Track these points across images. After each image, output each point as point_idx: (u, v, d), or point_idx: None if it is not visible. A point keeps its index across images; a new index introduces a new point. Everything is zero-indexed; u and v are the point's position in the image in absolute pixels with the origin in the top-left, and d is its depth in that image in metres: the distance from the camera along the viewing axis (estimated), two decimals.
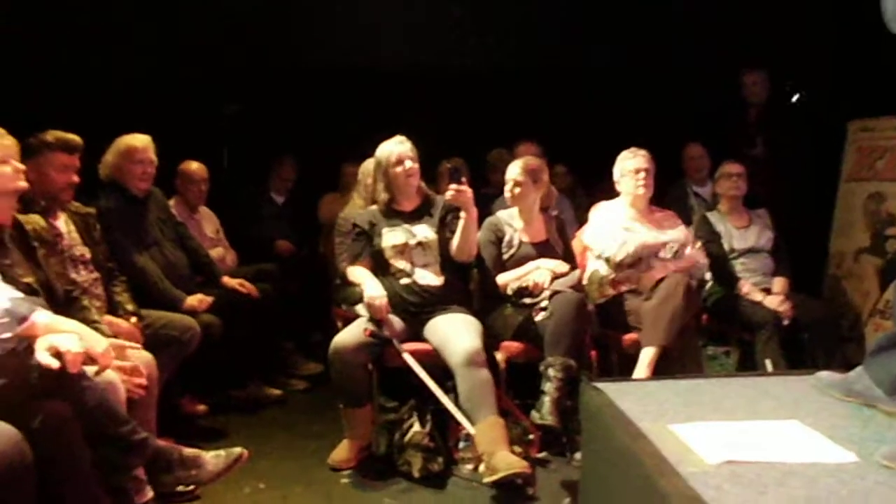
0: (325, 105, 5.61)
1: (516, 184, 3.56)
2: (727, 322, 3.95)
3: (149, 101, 4.75)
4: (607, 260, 3.66)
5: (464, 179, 3.27)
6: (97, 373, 2.27)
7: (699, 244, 3.89)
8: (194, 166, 4.46)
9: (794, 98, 5.10)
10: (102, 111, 4.17)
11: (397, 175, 3.42)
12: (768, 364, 3.62)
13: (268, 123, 5.59)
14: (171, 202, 4.18)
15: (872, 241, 4.51)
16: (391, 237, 3.42)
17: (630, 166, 3.73)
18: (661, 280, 3.49)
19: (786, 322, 3.75)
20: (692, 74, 5.25)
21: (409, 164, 3.42)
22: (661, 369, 3.32)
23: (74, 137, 3.03)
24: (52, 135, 2.97)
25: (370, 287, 3.28)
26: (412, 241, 3.41)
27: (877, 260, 4.47)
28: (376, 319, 3.21)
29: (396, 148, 3.43)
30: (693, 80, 5.24)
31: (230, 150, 5.62)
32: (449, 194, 3.26)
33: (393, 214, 3.48)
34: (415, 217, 3.49)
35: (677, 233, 3.79)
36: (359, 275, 3.41)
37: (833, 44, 4.90)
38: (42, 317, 2.18)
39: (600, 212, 3.84)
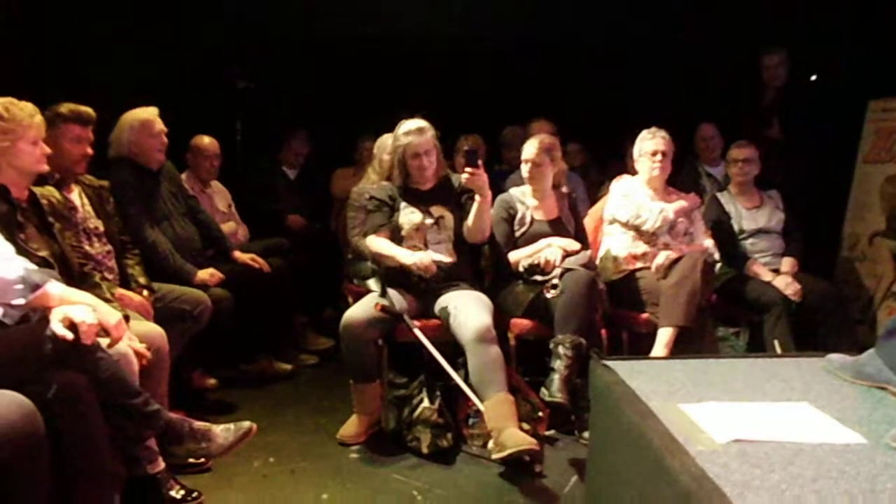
0: (339, 79, 5.59)
1: (535, 164, 3.55)
2: (736, 303, 3.94)
3: (161, 75, 4.74)
4: (637, 229, 3.68)
5: (480, 162, 3.26)
6: (110, 345, 2.29)
7: (709, 234, 3.88)
8: (206, 141, 4.46)
9: (812, 78, 5.02)
10: (114, 85, 4.17)
11: (412, 167, 3.41)
12: (776, 345, 3.61)
13: (281, 97, 5.58)
14: (183, 176, 4.19)
15: (888, 224, 4.47)
16: (409, 215, 3.42)
17: (647, 148, 3.74)
18: (678, 260, 3.48)
19: (795, 301, 3.74)
20: (708, 53, 5.19)
21: (425, 158, 3.38)
22: (676, 350, 3.32)
23: (88, 109, 3.04)
24: (65, 107, 2.98)
25: (407, 255, 3.30)
26: (428, 221, 3.42)
27: (892, 243, 4.45)
28: (422, 276, 3.27)
29: (414, 140, 3.37)
30: (709, 59, 5.18)
31: (243, 125, 5.61)
32: (464, 177, 3.25)
33: (410, 192, 3.48)
34: (432, 196, 3.48)
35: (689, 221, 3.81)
36: (382, 245, 3.40)
37: (854, 22, 4.82)
38: (55, 287, 2.20)
39: (623, 184, 3.84)
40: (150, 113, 3.58)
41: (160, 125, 3.59)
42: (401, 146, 3.41)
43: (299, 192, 5.26)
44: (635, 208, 3.68)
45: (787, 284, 3.77)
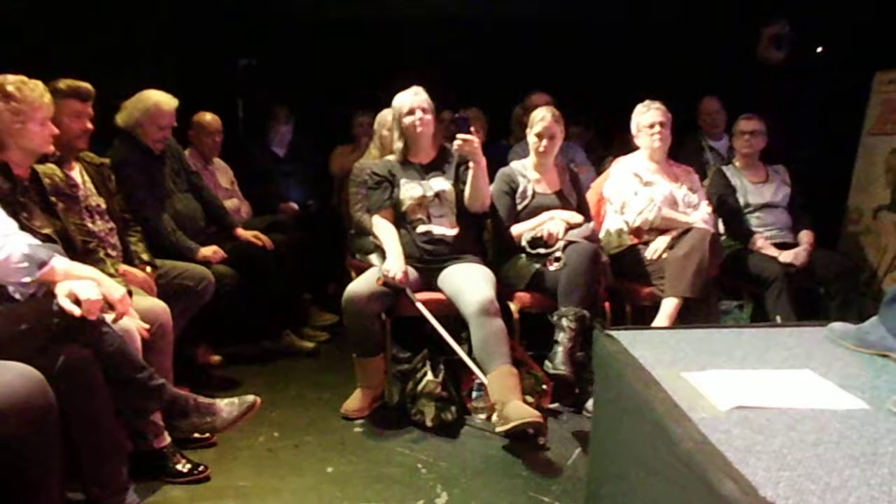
0: (339, 56, 5.56)
1: (549, 137, 3.52)
2: (739, 276, 3.93)
3: (164, 51, 4.72)
4: (626, 224, 3.67)
5: (472, 129, 3.25)
6: (115, 319, 2.30)
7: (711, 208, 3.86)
8: (208, 117, 4.44)
9: (818, 49, 4.96)
10: (118, 61, 4.15)
11: (410, 125, 3.40)
12: (778, 321, 3.60)
13: (282, 75, 5.55)
14: (186, 153, 4.18)
15: (893, 198, 4.45)
16: (410, 190, 3.41)
17: (645, 121, 3.71)
18: (686, 232, 3.47)
19: (794, 266, 3.72)
20: (712, 26, 5.14)
21: (420, 113, 3.39)
22: (680, 321, 3.32)
23: (86, 85, 3.02)
24: (63, 83, 2.96)
25: (391, 258, 3.28)
26: (429, 194, 3.41)
27: None
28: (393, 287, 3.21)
29: (410, 99, 3.41)
30: (712, 32, 5.13)
31: (245, 102, 5.59)
32: (456, 144, 3.24)
33: (410, 166, 3.47)
34: (431, 169, 3.48)
35: (692, 192, 3.78)
36: (383, 234, 3.39)
37: None
38: (61, 262, 2.21)
39: (620, 167, 3.82)
40: (168, 105, 3.55)
41: (172, 120, 3.58)
42: (397, 108, 3.43)
43: (289, 170, 5.15)
44: (631, 211, 3.66)
45: (796, 255, 3.76)
